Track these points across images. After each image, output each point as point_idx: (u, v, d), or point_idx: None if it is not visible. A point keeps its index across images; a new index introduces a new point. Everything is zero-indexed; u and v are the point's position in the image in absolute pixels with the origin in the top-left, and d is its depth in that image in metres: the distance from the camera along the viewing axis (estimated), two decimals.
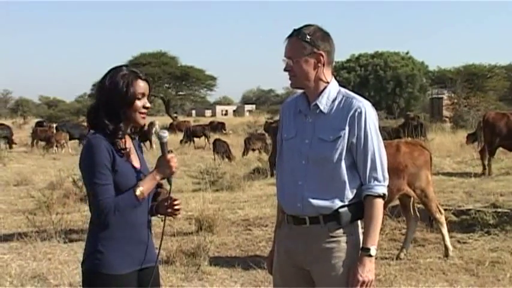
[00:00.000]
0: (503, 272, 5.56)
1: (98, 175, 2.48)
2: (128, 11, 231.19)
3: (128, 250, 2.57)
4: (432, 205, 6.21)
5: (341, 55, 46.78)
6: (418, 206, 6.58)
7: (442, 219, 6.24)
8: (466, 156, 15.29)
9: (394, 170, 5.84)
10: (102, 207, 2.47)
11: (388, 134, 16.51)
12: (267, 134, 22.71)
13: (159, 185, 2.71)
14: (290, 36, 2.62)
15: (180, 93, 52.46)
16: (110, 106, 2.56)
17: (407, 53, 47.22)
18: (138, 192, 2.55)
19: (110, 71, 2.63)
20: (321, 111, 2.63)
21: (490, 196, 8.96)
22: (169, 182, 2.69)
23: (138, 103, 2.60)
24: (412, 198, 6.35)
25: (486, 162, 12.13)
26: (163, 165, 2.64)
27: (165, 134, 2.72)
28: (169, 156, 2.64)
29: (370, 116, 2.60)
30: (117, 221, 2.51)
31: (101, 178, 2.48)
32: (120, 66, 2.65)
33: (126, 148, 2.60)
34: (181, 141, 24.21)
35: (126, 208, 2.52)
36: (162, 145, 2.69)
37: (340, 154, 2.57)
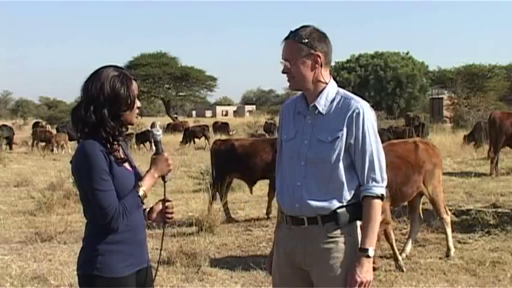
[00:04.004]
0: (503, 272, 5.56)
1: (100, 182, 2.44)
2: (128, 12, 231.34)
3: (128, 252, 2.56)
4: (441, 205, 6.26)
5: (341, 55, 46.91)
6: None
7: (448, 219, 6.29)
8: (467, 156, 15.29)
9: (415, 166, 5.96)
10: (111, 214, 2.44)
11: (391, 134, 16.46)
12: (267, 134, 22.76)
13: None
14: (287, 38, 2.63)
15: (180, 93, 52.45)
16: (113, 110, 2.52)
17: (407, 53, 47.29)
18: (141, 193, 2.55)
19: (101, 74, 2.53)
20: (319, 112, 2.63)
21: (491, 196, 8.97)
22: (164, 180, 2.70)
23: (137, 104, 2.61)
24: (421, 199, 6.37)
25: (494, 162, 12.12)
26: (161, 163, 2.64)
27: (159, 132, 2.74)
28: (166, 154, 2.66)
29: (368, 116, 2.60)
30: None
31: (104, 185, 2.44)
32: (109, 69, 2.57)
33: (123, 158, 2.58)
34: (181, 141, 24.18)
35: (132, 210, 2.52)
36: (157, 143, 2.71)
37: (338, 155, 2.58)
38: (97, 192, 2.43)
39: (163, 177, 2.68)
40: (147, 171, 2.63)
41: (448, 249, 6.13)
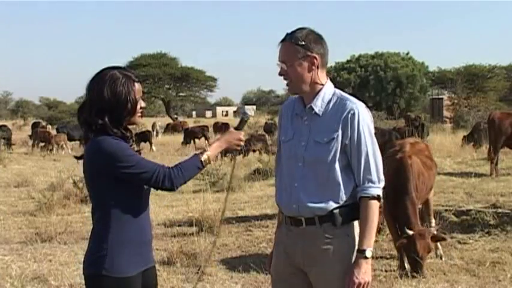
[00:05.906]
0: (503, 272, 5.55)
1: (131, 158, 2.46)
2: (129, 12, 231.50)
3: (135, 252, 2.56)
4: (432, 206, 6.30)
5: (341, 56, 46.90)
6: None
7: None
8: (467, 156, 15.28)
9: (433, 164, 6.15)
10: (162, 173, 2.46)
11: (398, 134, 16.38)
12: (267, 135, 22.74)
13: None
14: (283, 41, 2.63)
15: (181, 94, 52.49)
16: (114, 115, 2.53)
17: (407, 53, 47.19)
18: (204, 157, 2.57)
19: (103, 78, 2.54)
20: (315, 113, 2.64)
21: (491, 196, 8.96)
22: (234, 156, 2.82)
23: (138, 106, 2.61)
24: None
25: (494, 163, 12.10)
26: (233, 136, 2.69)
27: (251, 113, 2.81)
28: (242, 134, 2.71)
29: (364, 117, 2.60)
30: (124, 223, 2.52)
31: (135, 158, 2.47)
32: (113, 71, 2.57)
33: (138, 151, 2.63)
34: (182, 142, 24.16)
35: (189, 170, 2.53)
36: (243, 121, 2.78)
37: (334, 156, 2.58)
38: (134, 167, 2.45)
39: (233, 153, 2.75)
40: (217, 140, 2.67)
41: (436, 249, 6.03)
